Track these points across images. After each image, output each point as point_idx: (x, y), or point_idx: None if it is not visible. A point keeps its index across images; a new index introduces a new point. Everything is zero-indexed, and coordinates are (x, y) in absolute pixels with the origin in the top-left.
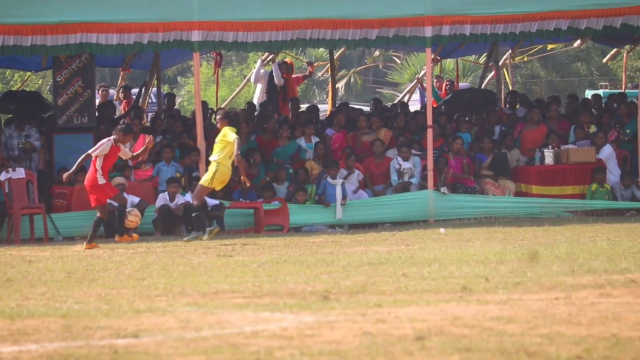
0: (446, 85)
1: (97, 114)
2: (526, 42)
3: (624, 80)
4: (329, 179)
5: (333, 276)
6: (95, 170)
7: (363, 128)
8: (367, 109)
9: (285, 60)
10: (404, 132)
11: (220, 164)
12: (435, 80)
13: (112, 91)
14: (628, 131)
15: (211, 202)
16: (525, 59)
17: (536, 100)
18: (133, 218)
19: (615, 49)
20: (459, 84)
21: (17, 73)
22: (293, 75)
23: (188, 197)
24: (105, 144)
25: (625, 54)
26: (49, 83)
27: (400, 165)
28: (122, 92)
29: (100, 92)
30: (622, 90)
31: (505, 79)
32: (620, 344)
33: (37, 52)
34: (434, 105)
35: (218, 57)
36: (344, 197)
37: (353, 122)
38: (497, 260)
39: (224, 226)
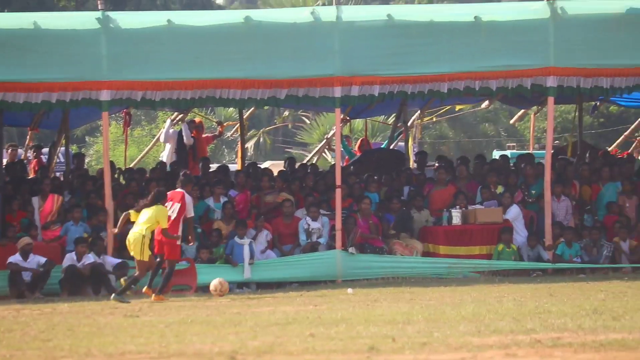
0: (360, 144)
1: (5, 174)
2: (435, 102)
3: (531, 141)
4: (236, 239)
5: (240, 336)
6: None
7: (266, 188)
8: (276, 169)
9: (194, 119)
10: (313, 191)
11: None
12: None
13: (20, 150)
14: (534, 192)
15: (114, 260)
16: (434, 120)
17: (444, 161)
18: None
19: (522, 110)
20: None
21: None
22: (203, 135)
23: (92, 256)
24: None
25: (532, 115)
26: None
27: (309, 225)
28: (33, 151)
29: (8, 151)
30: (529, 151)
31: (414, 139)
32: None
33: None
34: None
35: (127, 116)
36: (252, 256)
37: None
38: (404, 321)
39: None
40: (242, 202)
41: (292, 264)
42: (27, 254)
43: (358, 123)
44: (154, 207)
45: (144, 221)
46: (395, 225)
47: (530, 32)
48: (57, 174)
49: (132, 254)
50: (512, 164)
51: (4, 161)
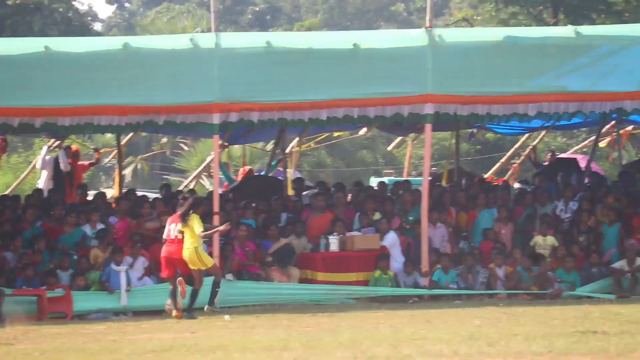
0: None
1: None
2: (313, 129)
3: (407, 167)
4: (113, 266)
5: None
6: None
7: (147, 215)
8: (154, 195)
9: (70, 146)
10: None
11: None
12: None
13: None
14: (411, 218)
15: None
16: (312, 145)
17: (322, 187)
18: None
19: (400, 138)
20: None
21: None
22: (79, 162)
23: None
24: None
25: (409, 142)
26: None
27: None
28: None
29: None
30: (406, 178)
31: (293, 166)
32: None
33: None
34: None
35: (3, 142)
36: (129, 283)
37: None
38: (281, 347)
39: (1, 315)
40: (122, 229)
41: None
42: None
43: (236, 149)
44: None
45: (189, 236)
46: (277, 254)
47: (408, 59)
48: None
49: (194, 269)
50: (389, 191)
51: None
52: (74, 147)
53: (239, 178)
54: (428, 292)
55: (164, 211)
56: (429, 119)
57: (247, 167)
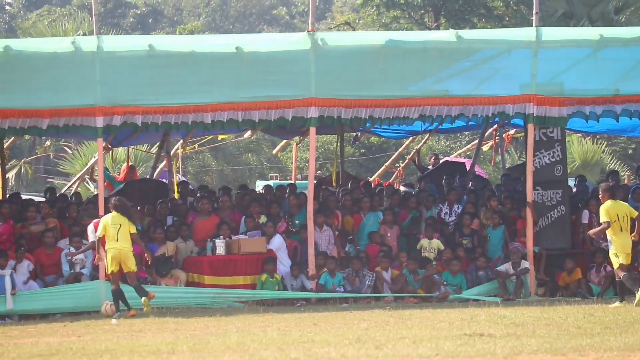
0: (127, 171)
1: None
2: (197, 132)
3: (294, 171)
4: None
5: None
6: None
7: (32, 218)
8: (39, 199)
9: None
10: (77, 222)
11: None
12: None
13: None
14: (297, 222)
15: None
16: (197, 148)
17: (207, 191)
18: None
19: (285, 141)
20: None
21: None
22: None
23: None
24: None
25: (294, 146)
26: None
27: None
28: None
29: None
30: (292, 181)
31: (177, 168)
32: None
33: None
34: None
35: None
36: (14, 287)
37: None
38: (168, 351)
39: None
40: (5, 233)
41: (55, 294)
42: None
43: (121, 152)
44: None
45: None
46: (154, 267)
47: (291, 63)
48: None
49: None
50: (274, 195)
51: None
52: None
53: (121, 176)
54: (315, 295)
55: (48, 214)
56: (313, 122)
57: (129, 164)
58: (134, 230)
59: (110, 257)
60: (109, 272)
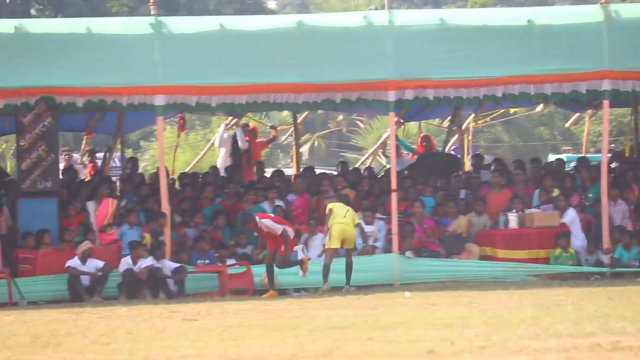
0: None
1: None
2: (489, 105)
3: (585, 144)
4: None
5: (299, 340)
6: None
7: (326, 192)
8: (332, 172)
9: (248, 124)
10: (369, 196)
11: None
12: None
13: (76, 156)
14: (590, 195)
15: (172, 265)
16: (488, 120)
17: (500, 164)
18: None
19: (577, 114)
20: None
21: None
22: (257, 140)
23: (151, 260)
24: None
25: (587, 119)
26: (12, 147)
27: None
28: (87, 156)
29: (63, 156)
30: (584, 155)
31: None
32: None
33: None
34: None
35: (181, 121)
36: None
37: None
38: (462, 324)
39: (184, 289)
40: (300, 206)
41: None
42: (87, 258)
43: (412, 126)
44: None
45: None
46: (445, 246)
47: (584, 35)
48: (113, 179)
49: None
50: (569, 168)
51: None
52: (252, 124)
53: (418, 146)
54: (610, 269)
55: (342, 188)
56: (606, 96)
57: (423, 135)
58: (358, 220)
59: (336, 232)
60: (331, 247)
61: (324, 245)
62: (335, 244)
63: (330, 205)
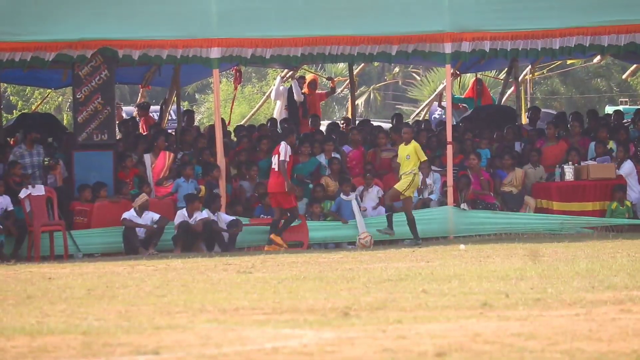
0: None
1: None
2: (546, 57)
3: None
4: (342, 195)
5: (353, 292)
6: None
7: (382, 145)
8: (387, 125)
9: (304, 76)
10: (425, 149)
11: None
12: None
13: (132, 108)
14: None
15: (227, 218)
16: (545, 72)
17: (556, 116)
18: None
19: (635, 65)
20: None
21: (37, 90)
22: (316, 92)
23: (206, 213)
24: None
25: None
26: (69, 100)
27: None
28: (138, 110)
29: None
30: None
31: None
32: None
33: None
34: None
35: (237, 73)
36: (364, 209)
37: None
38: (517, 277)
39: (234, 244)
40: (355, 159)
41: (404, 220)
42: (143, 210)
43: (468, 78)
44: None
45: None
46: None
47: None
48: (169, 131)
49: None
50: (626, 120)
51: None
52: (311, 76)
53: (467, 93)
54: None
55: (397, 141)
56: None
57: (476, 79)
58: (423, 158)
59: (418, 181)
60: (405, 195)
61: (379, 197)
62: (411, 193)
63: (407, 151)
